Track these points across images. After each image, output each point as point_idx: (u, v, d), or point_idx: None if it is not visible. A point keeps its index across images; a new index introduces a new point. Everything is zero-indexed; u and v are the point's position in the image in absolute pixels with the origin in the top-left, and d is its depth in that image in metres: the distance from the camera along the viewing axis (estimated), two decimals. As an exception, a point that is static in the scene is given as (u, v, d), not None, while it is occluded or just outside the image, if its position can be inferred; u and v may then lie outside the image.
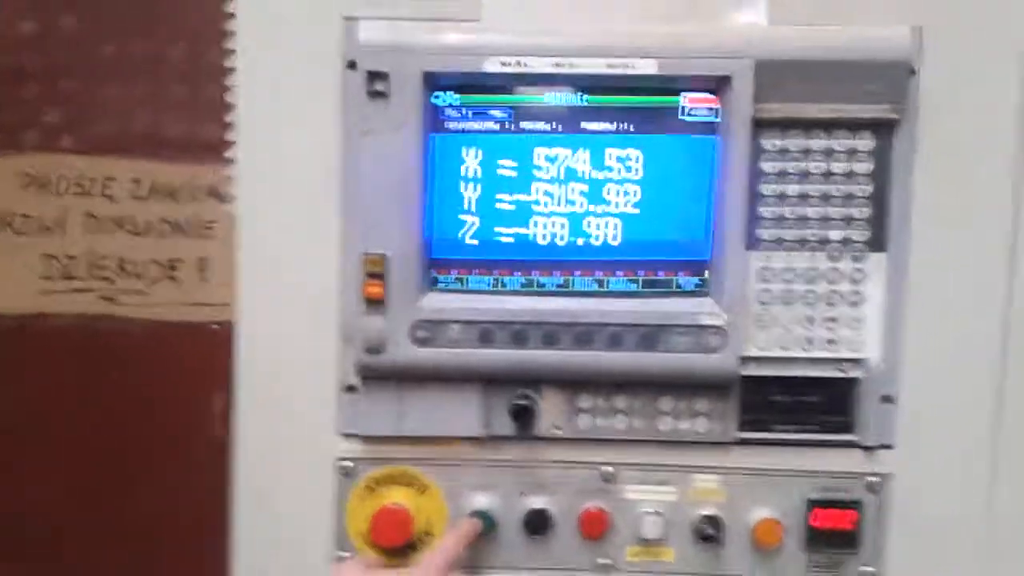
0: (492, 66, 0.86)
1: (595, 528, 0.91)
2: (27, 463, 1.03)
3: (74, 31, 0.98)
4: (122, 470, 1.02)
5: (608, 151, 0.89)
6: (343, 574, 0.86)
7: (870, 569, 0.91)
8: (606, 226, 0.90)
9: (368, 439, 0.92)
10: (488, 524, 0.91)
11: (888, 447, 0.90)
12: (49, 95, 0.98)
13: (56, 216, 1.00)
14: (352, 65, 0.88)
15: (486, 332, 0.88)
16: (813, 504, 0.91)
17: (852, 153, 0.88)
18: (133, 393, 1.01)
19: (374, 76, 0.86)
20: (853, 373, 0.90)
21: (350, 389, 0.91)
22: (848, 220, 0.89)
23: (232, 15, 0.90)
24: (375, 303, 0.87)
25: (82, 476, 1.03)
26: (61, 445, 1.02)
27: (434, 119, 0.88)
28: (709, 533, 0.90)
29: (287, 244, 0.91)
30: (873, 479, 0.91)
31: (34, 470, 1.03)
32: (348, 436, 0.92)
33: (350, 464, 0.92)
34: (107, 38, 0.98)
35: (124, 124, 0.98)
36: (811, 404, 0.90)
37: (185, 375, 1.00)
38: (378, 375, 0.90)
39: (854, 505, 0.91)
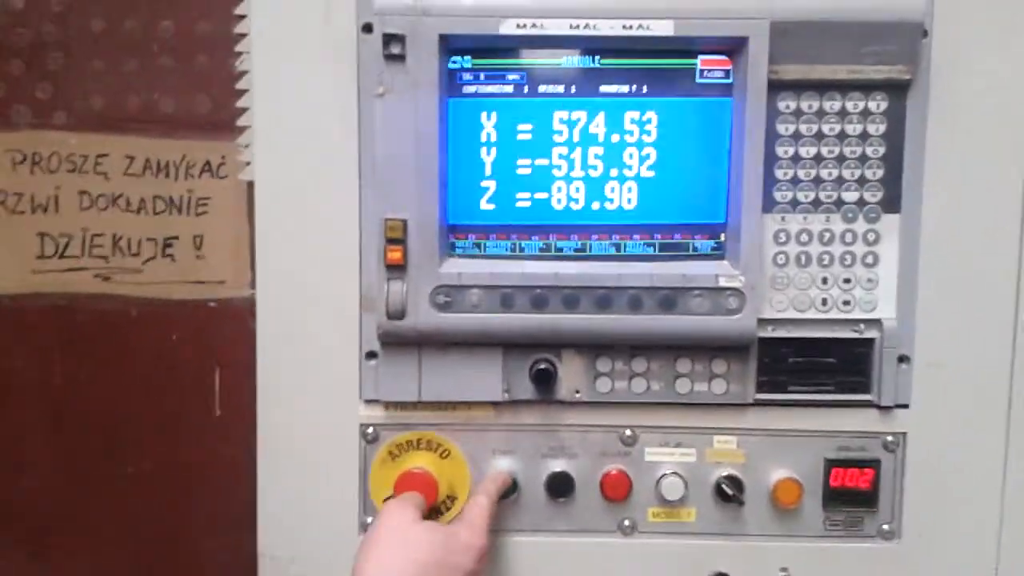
0: (508, 28, 0.86)
1: (617, 490, 0.92)
2: (22, 444, 1.02)
3: (63, 6, 0.96)
4: (119, 450, 1.01)
5: (626, 114, 0.88)
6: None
7: (888, 527, 0.92)
8: (623, 190, 0.90)
9: (390, 405, 0.92)
10: (511, 487, 0.91)
11: (904, 406, 0.91)
12: (40, 71, 0.97)
13: (49, 194, 0.98)
14: (368, 28, 0.87)
15: (506, 296, 0.88)
16: (831, 464, 0.92)
17: (866, 114, 0.89)
18: (129, 372, 1.00)
19: (390, 39, 0.85)
20: (868, 333, 0.90)
21: (371, 356, 0.91)
22: (862, 181, 0.90)
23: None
24: (396, 269, 0.87)
25: (78, 456, 1.02)
26: (57, 425, 1.01)
27: (450, 84, 0.88)
28: (729, 493, 0.90)
29: (305, 212, 0.90)
30: (889, 438, 0.92)
31: (29, 451, 1.02)
32: (370, 402, 0.92)
33: (372, 430, 0.92)
34: (97, 12, 0.96)
35: (116, 100, 0.97)
36: (827, 365, 0.91)
37: (182, 353, 0.99)
38: (399, 341, 0.89)
39: (871, 464, 0.92)
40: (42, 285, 1.00)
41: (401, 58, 0.85)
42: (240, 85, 0.94)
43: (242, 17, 0.92)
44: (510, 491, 0.91)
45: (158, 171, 0.98)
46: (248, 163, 0.94)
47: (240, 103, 0.94)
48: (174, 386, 1.00)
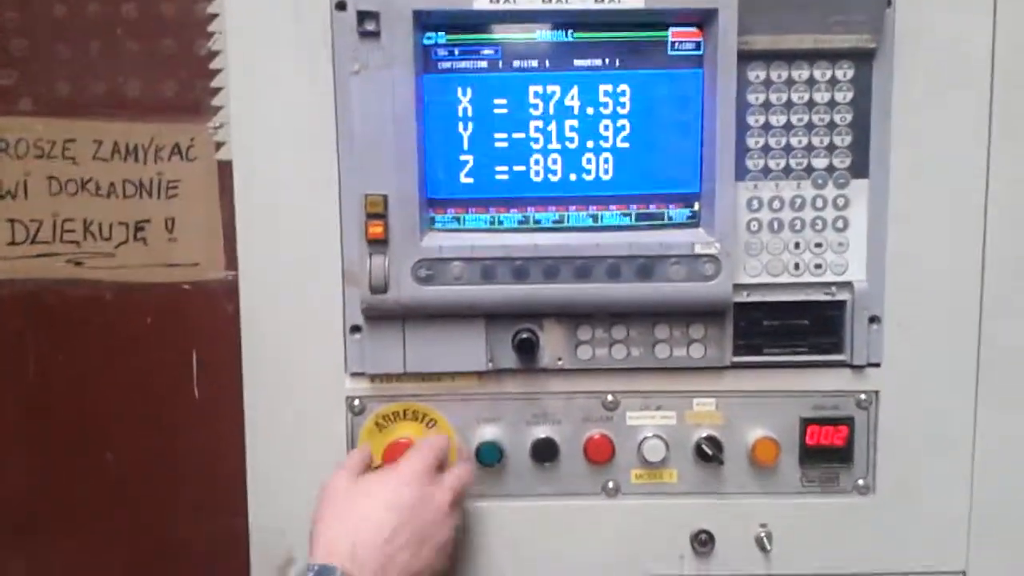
0: (481, 4, 0.87)
1: (600, 454, 0.94)
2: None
3: None
4: (97, 438, 1.01)
5: (599, 87, 0.90)
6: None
7: (862, 482, 0.95)
8: (599, 161, 0.91)
9: (375, 377, 0.93)
10: (496, 455, 0.93)
11: (876, 365, 0.94)
12: (3, 58, 0.96)
13: (18, 180, 0.97)
14: (341, 6, 0.88)
15: (487, 268, 0.89)
16: (807, 422, 0.95)
17: (833, 82, 0.91)
18: (105, 357, 0.99)
19: (364, 16, 0.86)
20: (840, 295, 0.93)
21: (356, 329, 0.92)
22: (831, 148, 0.92)
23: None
24: (377, 243, 0.88)
25: (55, 446, 1.01)
26: (32, 414, 1.01)
27: (425, 60, 0.89)
28: (709, 453, 0.93)
29: (284, 191, 0.91)
30: (862, 396, 0.95)
31: (3, 442, 1.01)
32: (356, 375, 0.93)
33: (359, 402, 0.93)
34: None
35: (82, 85, 0.96)
36: (801, 327, 0.94)
37: (158, 337, 0.99)
38: (383, 315, 0.91)
39: (845, 421, 0.95)
40: (13, 272, 0.99)
41: (376, 35, 0.86)
42: (214, 65, 0.94)
43: (211, -1, 0.92)
44: (495, 459, 0.93)
45: (127, 155, 0.97)
46: (221, 144, 0.94)
47: (214, 83, 0.94)
48: (151, 370, 0.99)
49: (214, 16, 0.93)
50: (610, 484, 0.95)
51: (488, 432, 0.94)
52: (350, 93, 0.87)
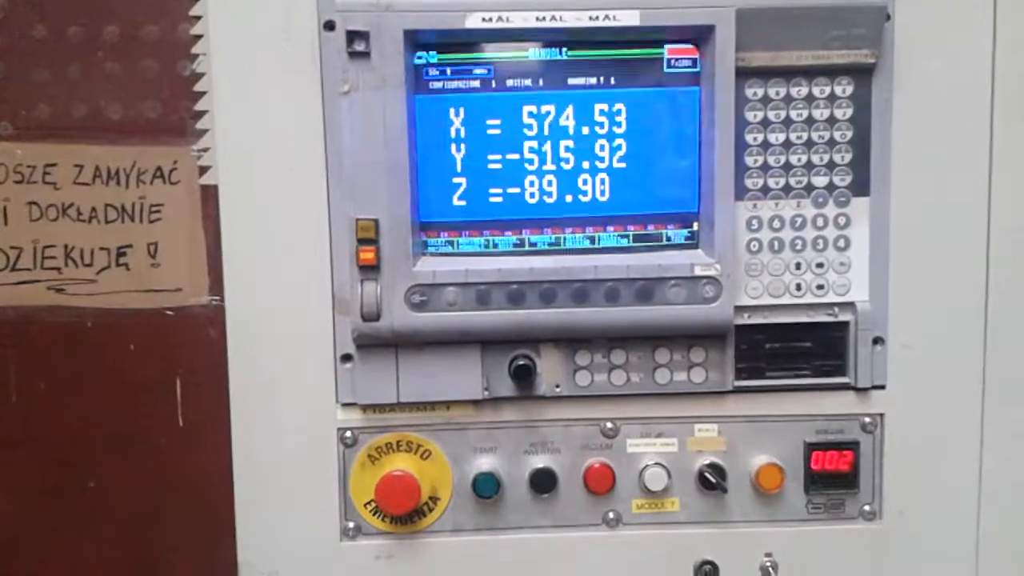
0: (473, 22, 0.85)
1: (600, 483, 0.92)
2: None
3: (3, 12, 0.93)
4: (81, 467, 0.99)
5: (595, 106, 0.88)
6: None
7: (869, 507, 0.93)
8: (595, 182, 0.89)
9: (368, 408, 0.91)
10: (493, 486, 0.91)
11: (880, 387, 0.92)
12: (-19, 82, 0.94)
13: (-3, 206, 0.96)
14: (330, 26, 0.86)
15: (482, 293, 0.87)
16: (811, 447, 0.92)
17: (832, 99, 0.89)
18: (88, 385, 0.97)
19: (354, 36, 0.84)
20: (843, 316, 0.91)
21: (347, 358, 0.89)
22: (831, 166, 0.90)
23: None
24: (369, 269, 0.86)
25: (38, 473, 0.99)
26: (15, 443, 0.98)
27: (417, 80, 0.87)
28: (712, 481, 0.90)
29: (272, 216, 0.88)
30: (867, 419, 0.93)
31: None
32: (347, 406, 0.91)
33: (351, 434, 0.91)
34: (38, 19, 0.94)
35: (63, 108, 0.94)
36: (803, 349, 0.92)
37: (141, 364, 0.97)
38: (375, 342, 0.88)
39: (851, 446, 0.93)
40: (-5, 299, 0.97)
41: (366, 55, 0.84)
42: (198, 87, 0.91)
43: (198, 18, 0.90)
44: (493, 490, 0.90)
45: (108, 179, 0.95)
46: (205, 168, 0.92)
47: (198, 106, 0.92)
48: (135, 398, 0.97)
49: (198, 37, 0.91)
50: (611, 515, 0.93)
51: (485, 463, 0.92)
52: (339, 115, 0.85)
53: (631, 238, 0.90)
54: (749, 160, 0.89)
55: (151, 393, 0.97)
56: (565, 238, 0.90)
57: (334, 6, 0.84)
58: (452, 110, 0.87)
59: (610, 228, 0.90)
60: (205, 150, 0.92)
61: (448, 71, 0.88)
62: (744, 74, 0.87)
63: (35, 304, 0.97)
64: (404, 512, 0.88)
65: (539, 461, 0.92)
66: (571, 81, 0.88)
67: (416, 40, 0.85)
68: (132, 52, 0.93)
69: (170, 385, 0.97)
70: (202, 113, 0.92)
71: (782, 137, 0.89)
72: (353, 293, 0.86)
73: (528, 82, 0.88)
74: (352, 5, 0.84)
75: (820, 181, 0.90)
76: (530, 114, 0.88)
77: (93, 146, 0.94)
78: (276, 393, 0.89)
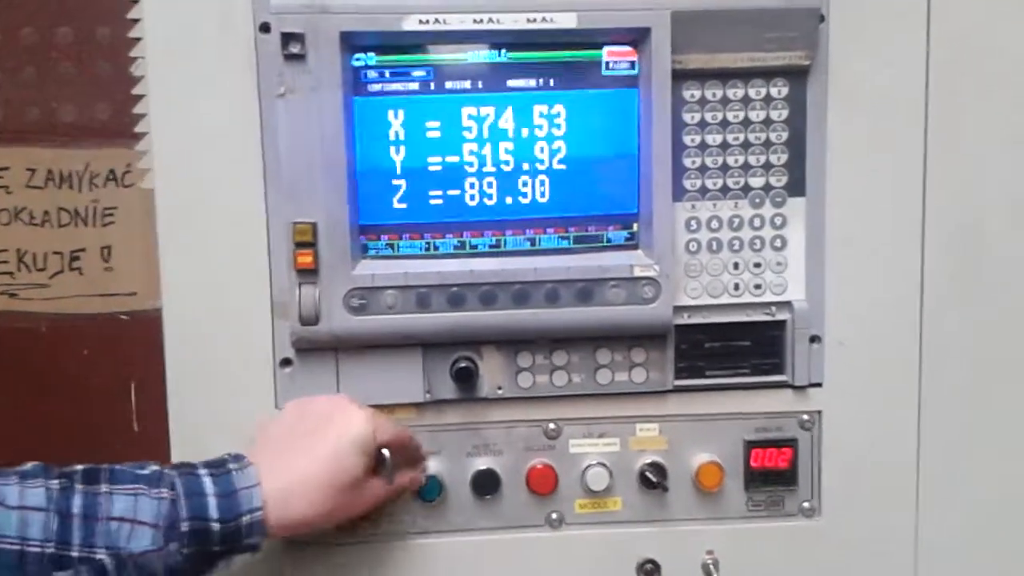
0: (411, 24, 0.85)
1: (543, 484, 0.92)
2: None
3: None
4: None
5: (534, 108, 0.88)
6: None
7: (808, 504, 0.94)
8: (535, 184, 0.89)
9: (307, 412, 0.90)
10: (436, 489, 0.91)
11: (817, 385, 0.93)
12: (-66, 88, 0.93)
13: (-52, 211, 0.94)
14: (265, 28, 0.85)
15: (422, 296, 0.87)
16: (751, 445, 0.93)
17: (768, 100, 0.90)
18: (42, 390, 0.96)
19: (289, 38, 0.83)
20: (780, 315, 0.92)
21: (286, 363, 0.89)
22: (767, 167, 0.91)
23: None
24: (307, 273, 0.85)
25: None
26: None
27: (355, 82, 0.86)
28: (653, 480, 0.91)
29: (210, 219, 0.88)
30: (805, 417, 0.94)
31: None
32: (287, 410, 0.90)
33: (291, 439, 0.90)
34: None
35: (15, 111, 0.93)
36: (742, 348, 0.93)
37: (96, 368, 0.95)
38: (314, 346, 0.88)
39: (789, 443, 0.94)
40: (-53, 306, 0.95)
41: (301, 57, 0.83)
42: (136, 90, 0.91)
43: (136, 21, 0.89)
44: (435, 492, 0.90)
45: (61, 182, 0.94)
46: (146, 171, 0.91)
47: (137, 109, 0.91)
48: (89, 402, 0.96)
49: (137, 40, 0.90)
50: (554, 515, 0.93)
51: (428, 465, 0.91)
52: (276, 117, 0.85)
53: (572, 239, 0.90)
54: (687, 161, 0.90)
55: (105, 398, 0.96)
56: (506, 240, 0.90)
57: (269, 8, 0.83)
58: (391, 112, 0.87)
59: (550, 230, 0.90)
60: (146, 152, 0.91)
61: (387, 73, 0.87)
62: (681, 76, 0.88)
63: (-13, 309, 0.95)
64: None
65: (482, 463, 0.92)
66: (510, 83, 0.88)
67: (353, 42, 0.85)
68: (85, 54, 0.92)
69: (124, 389, 0.96)
70: (142, 116, 0.91)
71: (719, 139, 0.90)
72: (292, 297, 0.86)
73: (467, 84, 0.88)
74: (287, 7, 0.83)
75: (757, 182, 0.91)
76: (470, 116, 0.88)
77: (46, 149, 0.93)
78: (215, 399, 0.89)
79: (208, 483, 0.74)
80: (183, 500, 0.73)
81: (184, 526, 0.72)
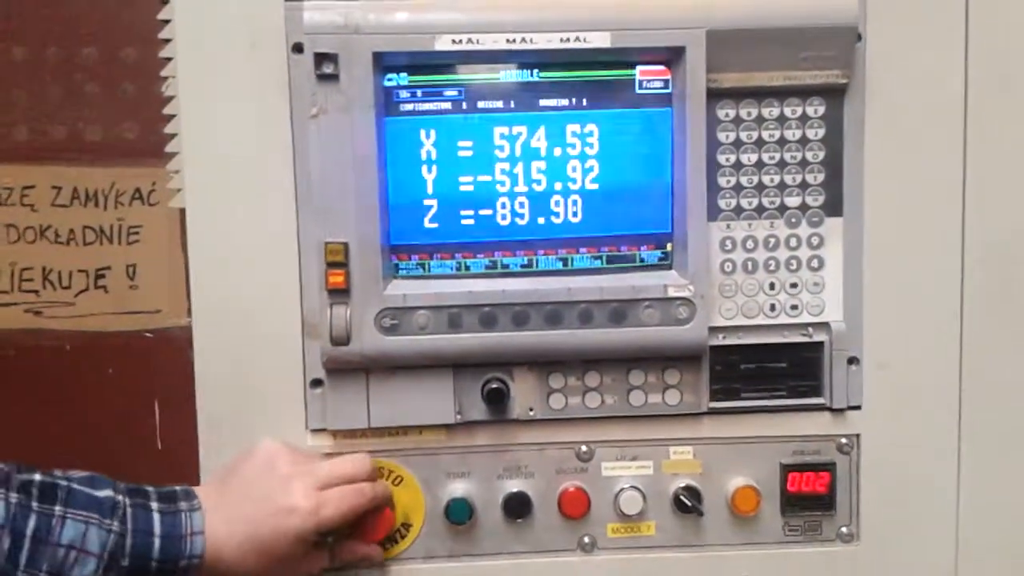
0: (443, 44, 0.84)
1: (575, 507, 0.91)
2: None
3: None
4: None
5: (566, 127, 0.88)
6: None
7: (846, 529, 0.92)
8: (568, 203, 0.89)
9: (338, 433, 0.89)
10: (466, 512, 0.89)
11: (856, 408, 0.91)
12: (-42, 103, 0.93)
13: (-26, 229, 0.95)
14: (298, 48, 0.85)
15: (454, 316, 0.86)
16: (787, 468, 0.92)
17: (804, 119, 0.89)
18: (66, 408, 0.96)
19: (322, 58, 0.83)
20: (818, 337, 0.91)
21: (317, 383, 0.88)
22: (804, 186, 0.90)
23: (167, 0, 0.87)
24: (338, 293, 0.85)
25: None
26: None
27: (387, 102, 0.86)
28: (688, 504, 0.90)
29: (241, 239, 0.87)
30: (843, 440, 0.92)
31: None
32: (317, 431, 0.89)
33: (322, 460, 0.89)
34: (17, 40, 0.93)
35: (41, 129, 0.94)
36: (778, 370, 0.91)
37: (120, 387, 0.96)
38: (345, 367, 0.87)
39: (827, 467, 0.92)
40: (-28, 324, 0.96)
41: (335, 77, 0.83)
42: (167, 110, 0.91)
43: (167, 41, 0.89)
44: (466, 515, 0.89)
45: (87, 200, 0.94)
46: (177, 190, 0.91)
47: (168, 129, 0.91)
48: (113, 421, 0.96)
49: (168, 60, 0.90)
50: (586, 539, 0.92)
51: (458, 488, 0.90)
52: (308, 138, 0.84)
53: (604, 259, 0.89)
54: (722, 180, 0.89)
55: (129, 416, 0.96)
56: (538, 260, 0.89)
57: (302, 28, 0.83)
58: (423, 132, 0.87)
59: (583, 250, 0.89)
60: (177, 172, 0.92)
61: (419, 93, 0.87)
62: (716, 95, 0.87)
63: (12, 327, 0.96)
64: (377, 540, 0.87)
65: (513, 485, 0.91)
66: (543, 102, 0.87)
67: (385, 62, 0.85)
68: (111, 74, 0.93)
69: (148, 408, 0.95)
70: (173, 135, 0.91)
71: (755, 158, 0.89)
72: (323, 317, 0.85)
73: (500, 104, 0.87)
74: (320, 27, 0.83)
75: (793, 201, 0.90)
76: (502, 136, 0.87)
77: (71, 168, 0.94)
78: (246, 420, 0.88)
79: (156, 521, 0.77)
80: (129, 537, 0.75)
81: (125, 561, 0.75)
